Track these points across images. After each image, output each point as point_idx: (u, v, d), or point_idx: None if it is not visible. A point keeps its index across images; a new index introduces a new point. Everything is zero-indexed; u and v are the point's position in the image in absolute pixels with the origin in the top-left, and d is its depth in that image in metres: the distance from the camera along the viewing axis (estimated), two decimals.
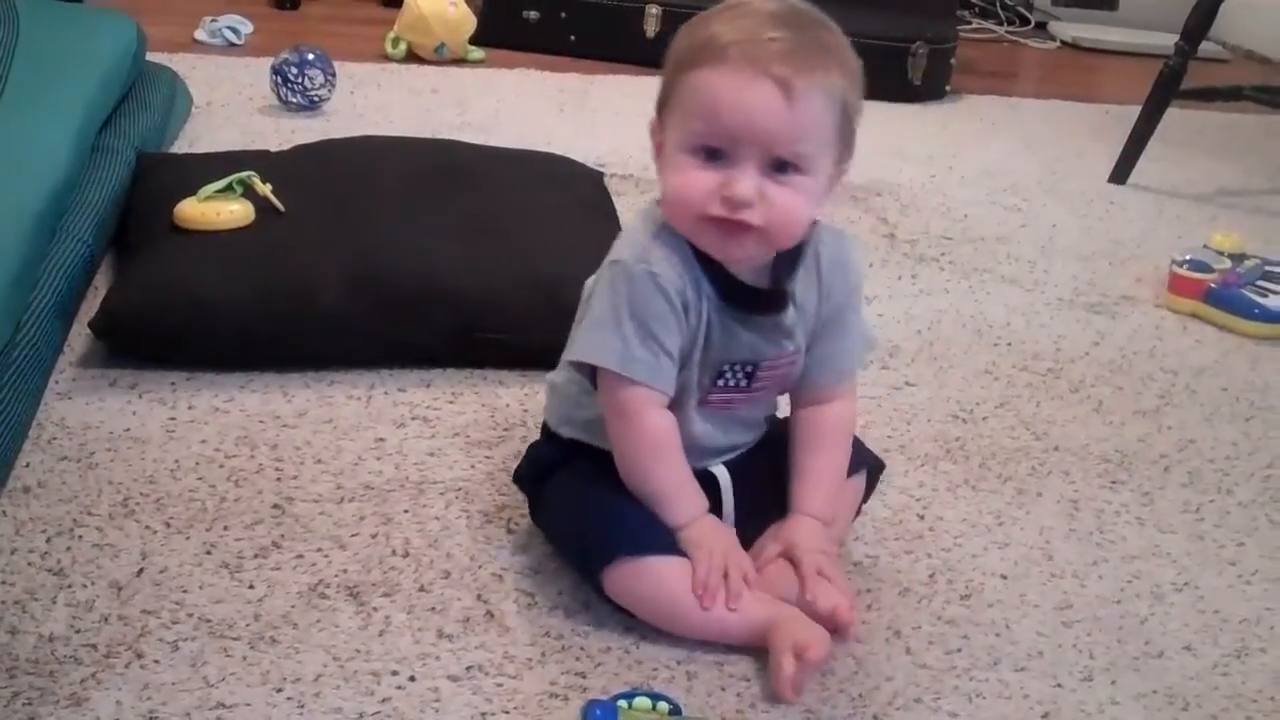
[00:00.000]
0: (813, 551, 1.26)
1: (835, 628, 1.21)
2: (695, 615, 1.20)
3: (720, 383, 1.28)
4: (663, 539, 1.23)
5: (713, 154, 1.18)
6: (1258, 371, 1.94)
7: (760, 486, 1.32)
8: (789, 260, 1.27)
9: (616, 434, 1.27)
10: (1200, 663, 1.27)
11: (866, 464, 1.39)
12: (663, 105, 1.24)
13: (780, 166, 1.18)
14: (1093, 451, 1.65)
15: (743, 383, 1.29)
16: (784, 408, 1.39)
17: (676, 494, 1.26)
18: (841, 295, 1.31)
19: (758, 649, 1.20)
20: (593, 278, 1.28)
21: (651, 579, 1.21)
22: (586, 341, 1.25)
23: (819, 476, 1.32)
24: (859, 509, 1.39)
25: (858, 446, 1.36)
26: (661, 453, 1.26)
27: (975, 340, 1.96)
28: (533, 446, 1.38)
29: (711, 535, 1.25)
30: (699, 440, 1.29)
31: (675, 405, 1.27)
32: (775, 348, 1.28)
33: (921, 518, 1.47)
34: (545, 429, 1.37)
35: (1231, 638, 1.31)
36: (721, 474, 1.31)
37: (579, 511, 1.27)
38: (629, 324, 1.22)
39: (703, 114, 1.18)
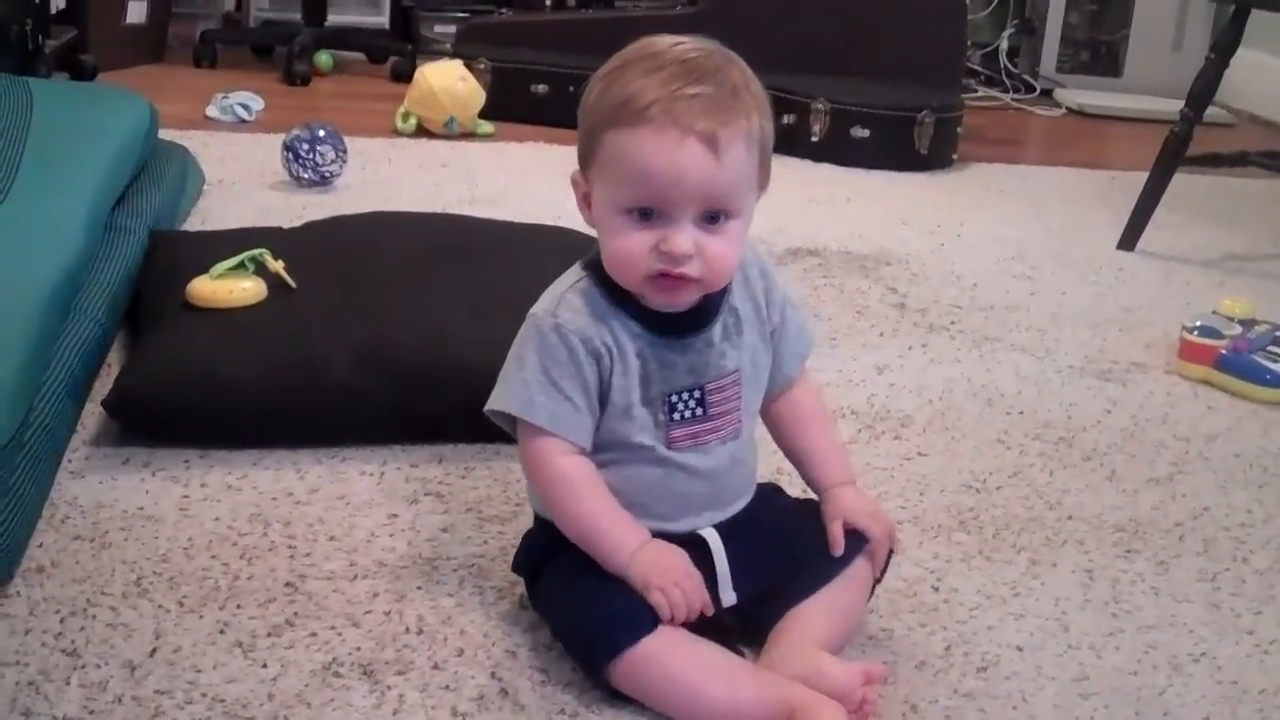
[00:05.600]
0: (867, 516, 1.33)
1: (861, 695, 1.19)
2: (708, 700, 1.19)
3: (676, 416, 1.28)
4: (652, 612, 1.22)
5: (646, 213, 1.21)
6: (1270, 438, 1.94)
7: (755, 548, 1.31)
8: None
9: (535, 486, 1.31)
10: None
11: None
12: (585, 160, 1.26)
13: (712, 216, 1.21)
14: (1107, 520, 1.65)
15: (698, 410, 1.29)
16: (776, 467, 1.38)
17: (610, 527, 1.26)
18: (778, 295, 1.36)
19: None
20: None
21: (657, 667, 1.19)
22: (494, 393, 1.29)
23: (825, 450, 1.39)
24: (872, 591, 1.37)
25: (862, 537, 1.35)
26: (577, 489, 1.27)
27: (987, 409, 1.96)
28: (527, 534, 1.38)
29: (659, 566, 1.23)
30: (685, 488, 1.29)
31: (650, 458, 1.28)
32: (713, 368, 1.29)
33: (936, 589, 1.46)
34: (535, 515, 1.37)
35: (1250, 709, 1.30)
36: (711, 536, 1.30)
37: (572, 609, 1.26)
38: (532, 371, 1.26)
39: (632, 177, 1.20)
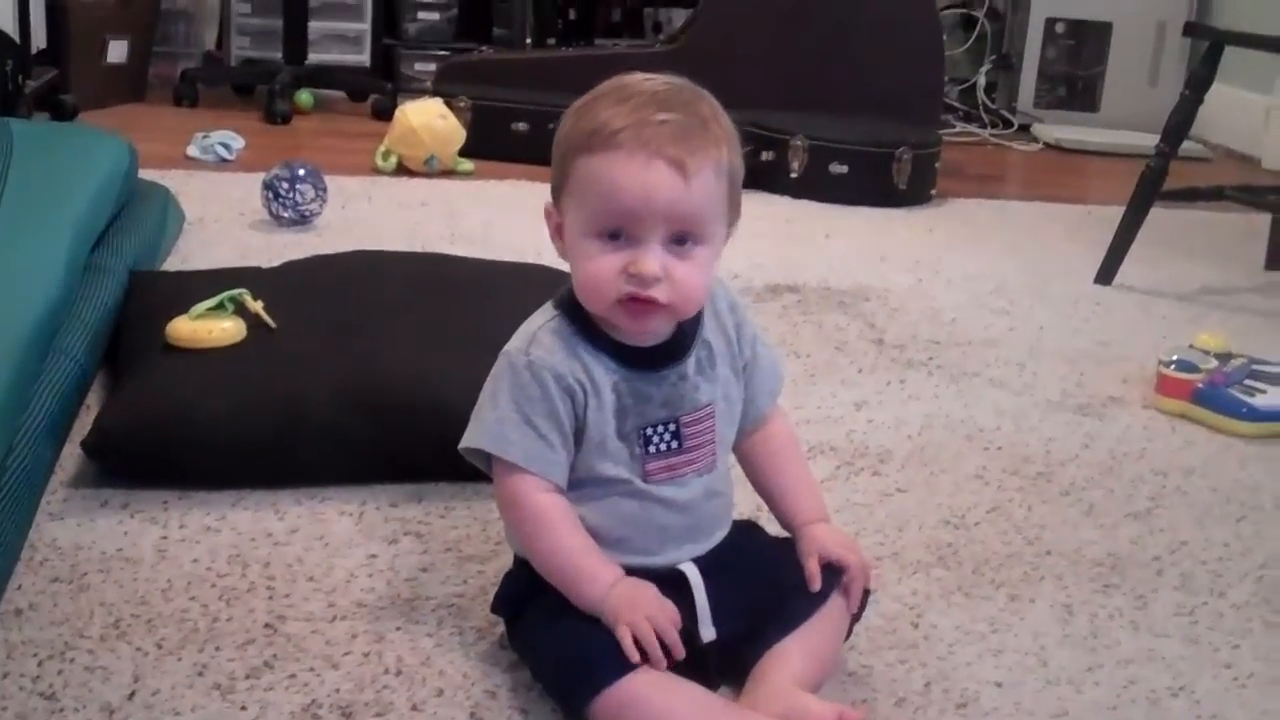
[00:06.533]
0: (841, 548, 1.34)
1: None
2: None
3: (651, 449, 1.29)
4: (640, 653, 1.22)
5: (615, 236, 1.23)
6: (1247, 471, 1.95)
7: (734, 584, 1.31)
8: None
9: (510, 523, 1.32)
10: None
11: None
12: (557, 191, 1.28)
13: (680, 240, 1.23)
14: (1085, 555, 1.65)
15: (673, 444, 1.30)
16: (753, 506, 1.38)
17: (584, 565, 1.26)
18: (749, 330, 1.38)
19: None
20: None
21: (638, 706, 1.19)
22: (468, 430, 1.31)
23: (799, 487, 1.41)
24: (851, 629, 1.37)
25: (838, 574, 1.35)
26: (552, 527, 1.27)
27: (965, 445, 1.96)
28: (507, 575, 1.38)
29: (628, 601, 1.23)
30: (663, 521, 1.30)
31: (627, 491, 1.29)
32: (688, 401, 1.31)
33: (915, 626, 1.46)
34: (515, 555, 1.37)
35: None
36: (691, 571, 1.30)
37: (552, 649, 1.26)
38: (505, 408, 1.27)
39: (602, 199, 1.22)
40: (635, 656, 1.20)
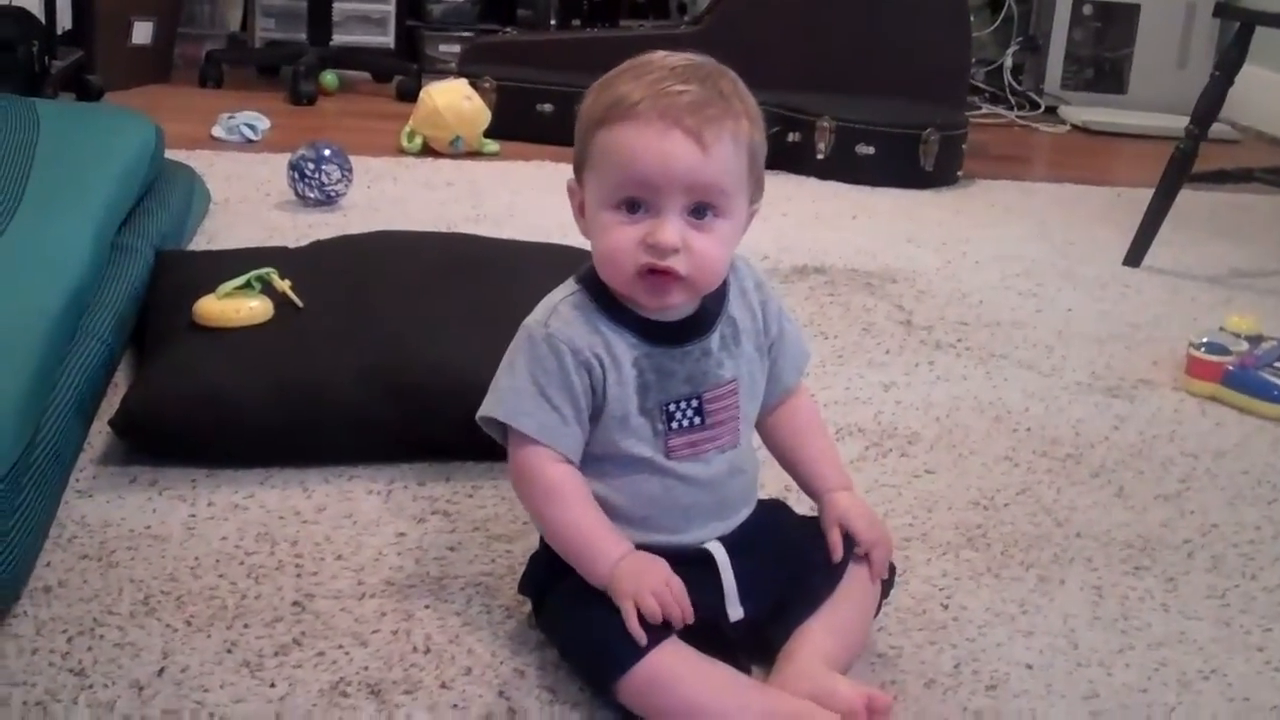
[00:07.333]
0: (860, 519, 1.34)
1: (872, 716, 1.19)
2: (716, 716, 1.18)
3: (674, 425, 1.29)
4: (662, 628, 1.21)
5: (634, 207, 1.23)
6: (1279, 453, 1.93)
7: (761, 563, 1.31)
8: (717, 289, 1.31)
9: (522, 494, 1.32)
10: None
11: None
12: (579, 166, 1.29)
13: (699, 211, 1.23)
14: (1115, 537, 1.64)
15: (695, 420, 1.30)
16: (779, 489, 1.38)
17: (593, 538, 1.26)
18: (774, 307, 1.37)
19: None
20: None
21: (666, 684, 1.19)
22: (485, 400, 1.31)
23: (824, 457, 1.42)
24: (879, 608, 1.37)
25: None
26: (563, 500, 1.27)
27: (994, 426, 1.95)
28: (533, 556, 1.37)
29: (631, 577, 1.22)
30: (687, 500, 1.30)
31: (650, 469, 1.29)
32: (711, 377, 1.31)
33: (945, 607, 1.46)
34: (541, 535, 1.36)
35: None
36: (717, 550, 1.30)
37: (580, 628, 1.26)
38: (522, 379, 1.27)
39: (621, 167, 1.22)
40: (639, 633, 1.19)
